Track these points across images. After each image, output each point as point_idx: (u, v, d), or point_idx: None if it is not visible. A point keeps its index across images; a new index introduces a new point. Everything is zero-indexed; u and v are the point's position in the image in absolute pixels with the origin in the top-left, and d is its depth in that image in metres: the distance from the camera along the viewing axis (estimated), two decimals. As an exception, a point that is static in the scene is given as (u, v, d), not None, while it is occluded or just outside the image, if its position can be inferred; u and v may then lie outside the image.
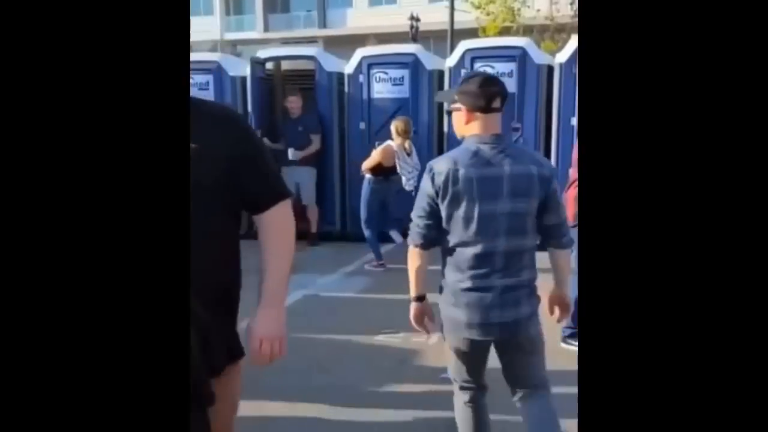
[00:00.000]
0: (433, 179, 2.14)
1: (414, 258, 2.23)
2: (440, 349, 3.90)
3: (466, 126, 2.19)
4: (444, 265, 2.24)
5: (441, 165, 2.15)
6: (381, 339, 4.13)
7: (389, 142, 5.81)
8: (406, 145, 5.74)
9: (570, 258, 2.36)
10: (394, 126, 5.76)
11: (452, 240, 2.17)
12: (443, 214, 2.15)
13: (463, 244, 2.15)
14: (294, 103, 6.83)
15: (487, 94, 2.13)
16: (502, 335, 2.20)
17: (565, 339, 3.96)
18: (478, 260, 2.14)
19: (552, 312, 2.43)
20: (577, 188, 3.69)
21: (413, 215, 2.24)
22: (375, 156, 5.76)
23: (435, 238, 2.20)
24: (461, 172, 2.10)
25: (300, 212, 6.90)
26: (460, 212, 2.12)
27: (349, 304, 5.01)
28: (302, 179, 6.76)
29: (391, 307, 4.74)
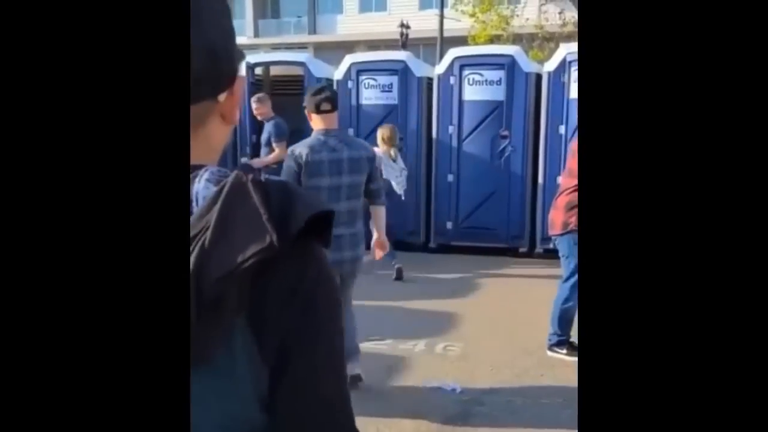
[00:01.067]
0: (296, 159, 3.08)
1: None
2: (428, 356, 4.00)
3: (311, 122, 3.20)
4: None
5: (301, 149, 3.10)
6: (368, 346, 4.08)
7: (375, 149, 5.81)
8: (392, 152, 5.87)
9: (384, 213, 3.48)
10: (380, 133, 5.89)
11: None
12: (303, 185, 3.03)
13: None
14: (257, 109, 6.30)
15: (315, 101, 3.12)
16: (352, 267, 3.22)
17: (551, 347, 3.97)
18: None
19: (375, 252, 3.56)
20: (569, 196, 3.72)
21: None
22: None
23: None
24: (315, 155, 3.07)
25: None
26: (315, 183, 3.06)
27: (336, 310, 4.96)
28: None
29: (378, 314, 4.80)
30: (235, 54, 0.68)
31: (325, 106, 3.11)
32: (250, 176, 0.60)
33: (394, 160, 5.91)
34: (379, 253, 3.55)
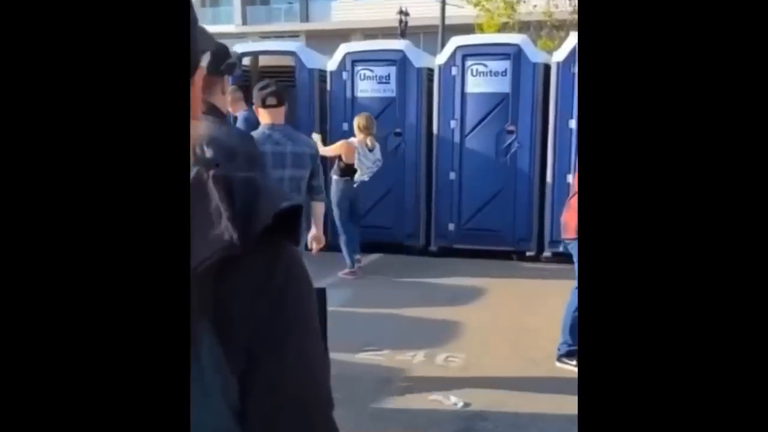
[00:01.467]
0: None
1: None
2: (427, 368, 3.98)
3: (258, 116, 3.47)
4: None
5: None
6: (363, 357, 4.03)
7: (352, 138, 5.97)
8: (368, 141, 5.92)
9: (323, 208, 3.69)
10: (356, 122, 6.00)
11: None
12: None
13: None
14: (230, 103, 6.52)
15: (260, 96, 3.38)
16: None
17: (560, 358, 3.90)
18: None
19: (312, 246, 3.72)
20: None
21: None
22: (334, 148, 5.90)
23: None
24: (259, 147, 3.17)
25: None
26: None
27: (330, 318, 4.86)
28: None
29: (374, 322, 4.83)
30: (196, 45, 0.67)
31: (271, 101, 3.36)
32: (212, 172, 0.63)
33: (371, 150, 5.92)
34: (315, 248, 3.74)
